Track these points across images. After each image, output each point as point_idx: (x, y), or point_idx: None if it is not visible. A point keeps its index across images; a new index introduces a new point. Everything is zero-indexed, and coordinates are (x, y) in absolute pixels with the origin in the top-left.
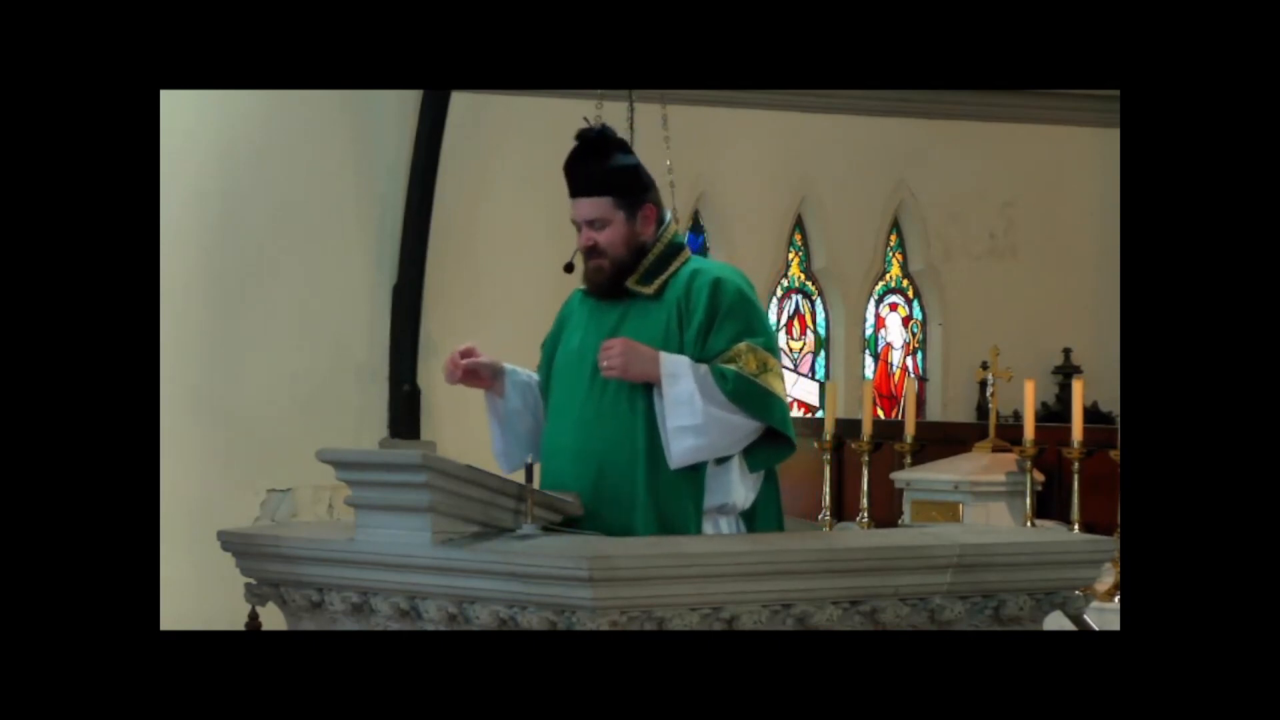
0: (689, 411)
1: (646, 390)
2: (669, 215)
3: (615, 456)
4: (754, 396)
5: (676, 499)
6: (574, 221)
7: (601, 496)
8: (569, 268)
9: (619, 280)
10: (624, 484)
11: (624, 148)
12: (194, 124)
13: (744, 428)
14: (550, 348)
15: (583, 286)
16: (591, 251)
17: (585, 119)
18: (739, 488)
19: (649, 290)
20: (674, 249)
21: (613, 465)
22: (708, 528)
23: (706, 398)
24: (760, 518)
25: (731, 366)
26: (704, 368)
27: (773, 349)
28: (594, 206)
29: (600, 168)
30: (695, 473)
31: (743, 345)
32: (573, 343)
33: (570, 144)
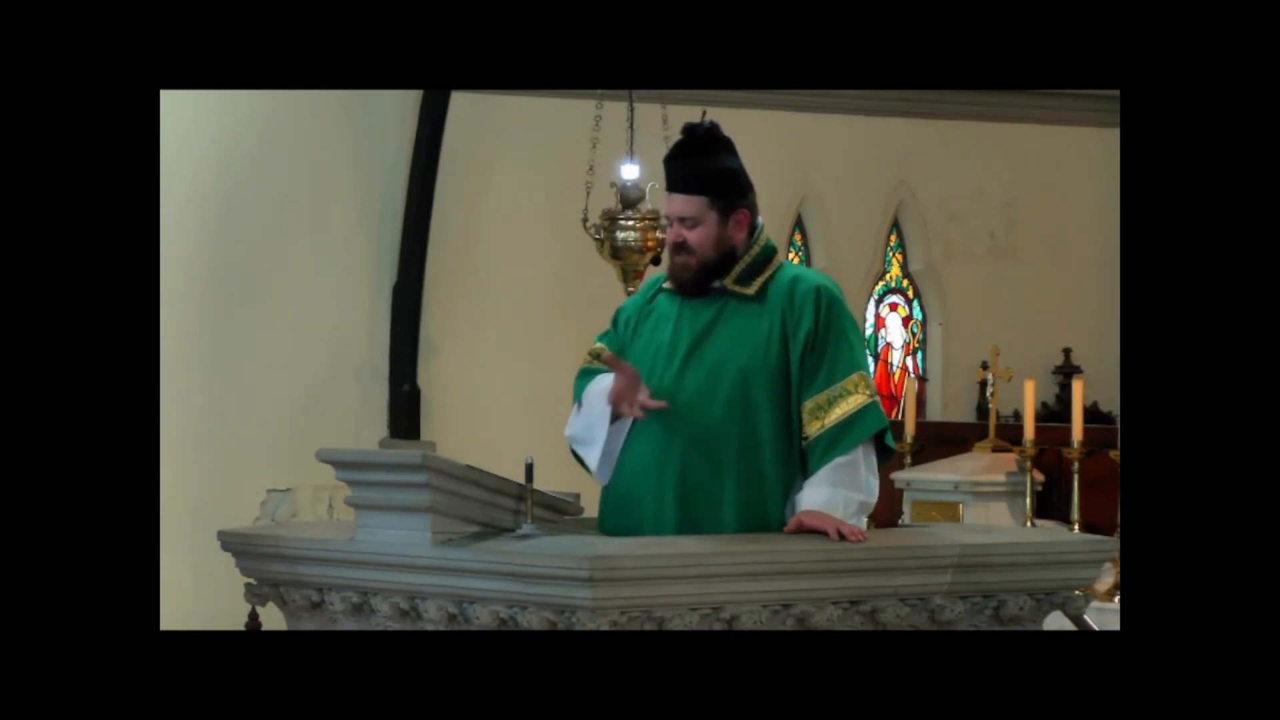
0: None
1: (741, 389)
2: (762, 220)
3: (702, 451)
4: (857, 436)
5: (765, 496)
6: (666, 216)
7: (686, 491)
8: (656, 260)
9: (704, 280)
10: (711, 479)
11: (729, 149)
12: (194, 124)
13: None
14: (616, 343)
15: (666, 285)
16: (679, 248)
17: (704, 113)
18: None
19: (749, 291)
20: (769, 252)
21: (701, 461)
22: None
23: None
24: None
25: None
26: (838, 476)
27: (865, 363)
28: (688, 204)
29: (700, 166)
30: (786, 474)
31: (851, 381)
32: (663, 336)
33: (570, 145)
